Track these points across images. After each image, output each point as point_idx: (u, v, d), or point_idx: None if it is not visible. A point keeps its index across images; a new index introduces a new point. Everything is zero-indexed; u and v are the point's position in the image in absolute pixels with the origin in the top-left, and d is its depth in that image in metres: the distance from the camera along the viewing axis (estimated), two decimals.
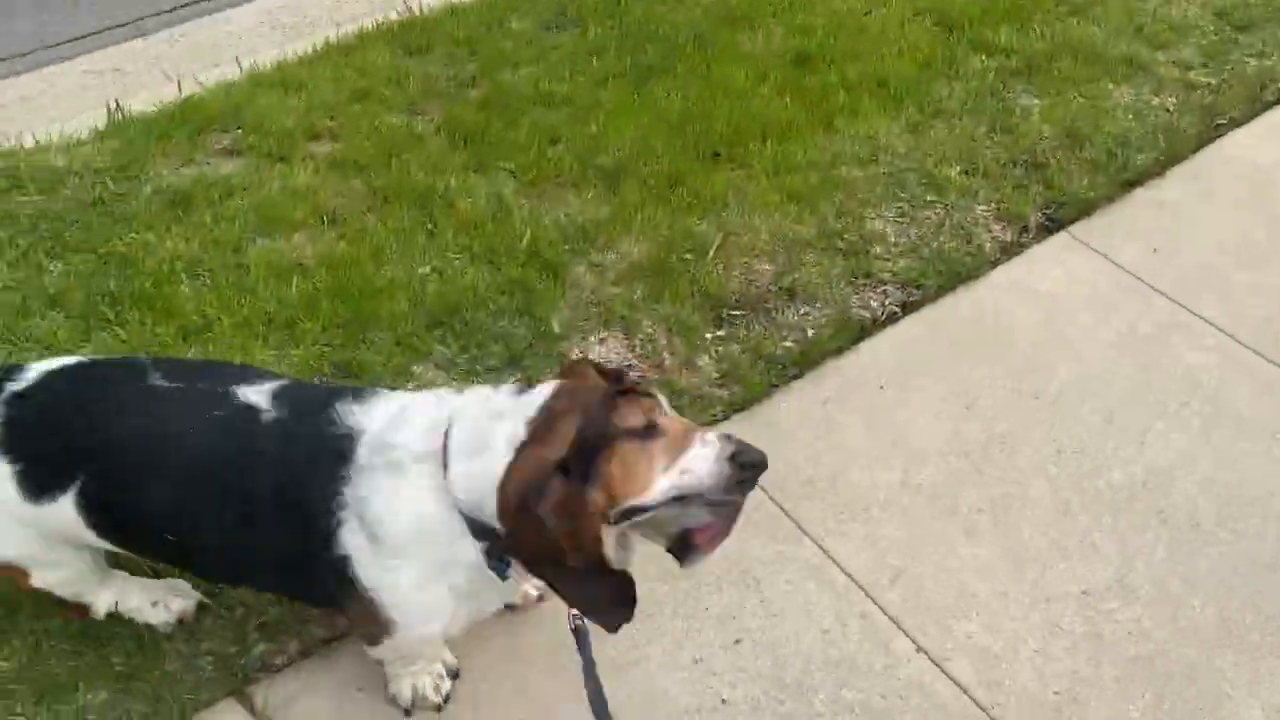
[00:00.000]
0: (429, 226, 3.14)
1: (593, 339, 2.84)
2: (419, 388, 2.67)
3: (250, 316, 2.84)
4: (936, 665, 2.24)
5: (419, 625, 1.84)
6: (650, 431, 1.63)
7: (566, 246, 3.09)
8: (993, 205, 3.29)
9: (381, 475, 1.71)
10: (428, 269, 3.01)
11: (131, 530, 1.85)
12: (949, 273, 3.07)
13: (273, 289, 2.92)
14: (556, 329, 2.84)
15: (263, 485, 1.74)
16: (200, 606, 2.24)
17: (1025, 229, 3.24)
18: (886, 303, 2.99)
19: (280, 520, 1.74)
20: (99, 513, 1.80)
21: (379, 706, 2.15)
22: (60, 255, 3.08)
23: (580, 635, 1.81)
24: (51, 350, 2.77)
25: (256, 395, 1.81)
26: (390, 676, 2.12)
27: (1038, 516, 2.50)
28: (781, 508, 2.50)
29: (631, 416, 1.64)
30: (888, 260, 3.09)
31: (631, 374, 2.72)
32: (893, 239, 3.17)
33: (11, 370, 1.88)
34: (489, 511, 1.63)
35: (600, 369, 1.81)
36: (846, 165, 3.39)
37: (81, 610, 2.15)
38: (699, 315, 2.90)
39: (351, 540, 1.71)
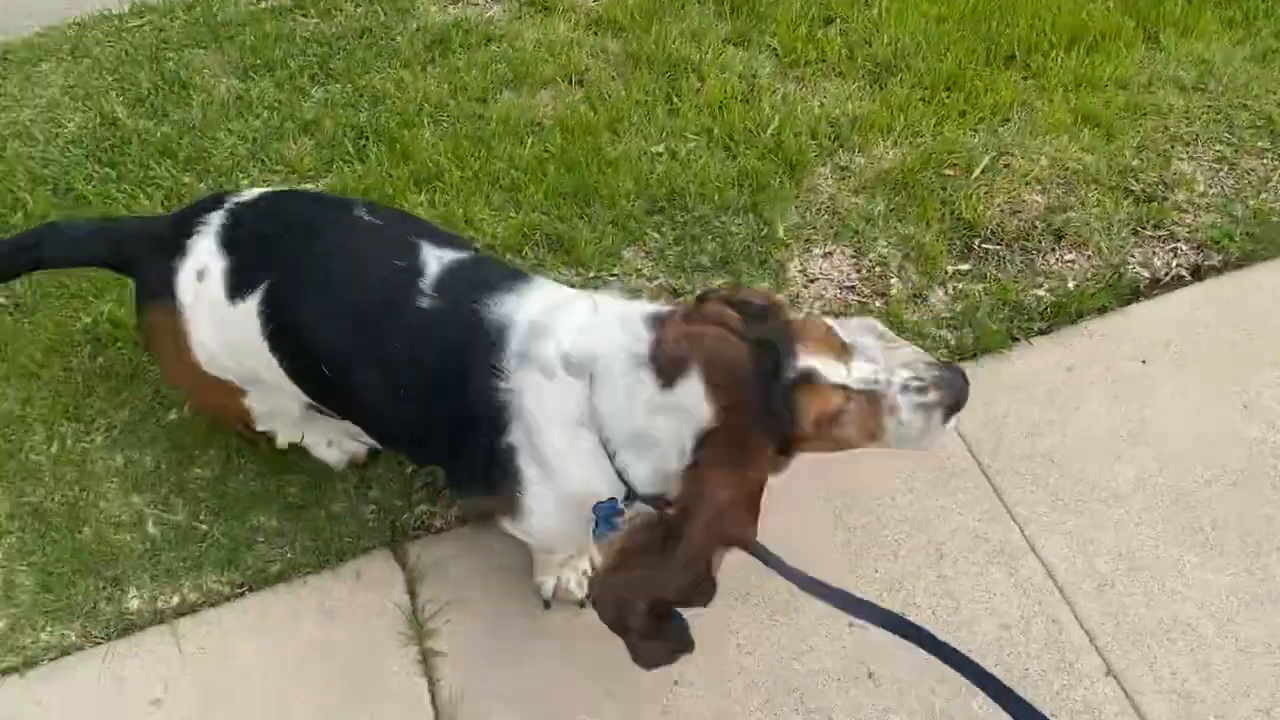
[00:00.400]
0: (673, 100, 2.95)
1: (817, 251, 2.59)
2: (624, 274, 2.55)
3: (480, 172, 2.80)
4: (1127, 696, 1.94)
5: (547, 538, 1.81)
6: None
7: (813, 142, 2.81)
8: None
9: (539, 374, 1.62)
10: (661, 148, 2.83)
11: (295, 352, 1.83)
12: (1263, 239, 2.56)
13: (507, 146, 2.85)
14: (781, 233, 2.61)
15: (421, 347, 1.70)
16: (372, 454, 2.28)
17: None
18: (1174, 263, 2.53)
19: (432, 392, 1.70)
20: (273, 323, 1.80)
21: (522, 589, 2.12)
22: (323, 81, 3.14)
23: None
24: (295, 175, 2.86)
25: (437, 257, 1.76)
26: (537, 565, 2.08)
27: None
28: (989, 479, 2.22)
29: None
30: (1187, 212, 2.62)
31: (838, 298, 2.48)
32: (1201, 188, 2.67)
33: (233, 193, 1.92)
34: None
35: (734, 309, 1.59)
36: (1164, 90, 2.87)
37: (268, 438, 2.24)
38: (944, 242, 2.58)
39: (516, 434, 1.64)
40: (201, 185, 2.83)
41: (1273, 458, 2.22)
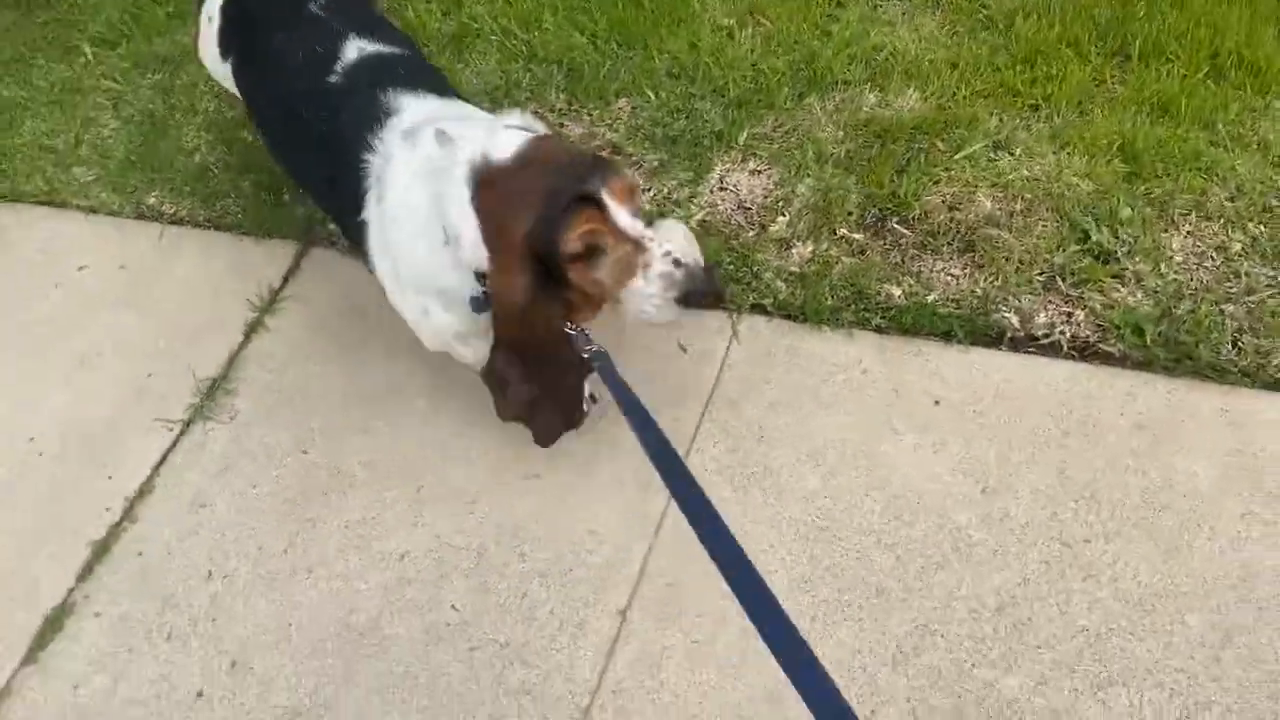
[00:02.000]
0: None
1: (750, 166, 2.57)
2: (596, 123, 2.75)
3: None
4: (614, 641, 2.01)
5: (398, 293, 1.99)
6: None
7: (859, 66, 2.68)
8: None
9: (401, 157, 1.85)
10: (733, 22, 2.87)
11: (251, 104, 2.34)
12: (1177, 352, 2.05)
13: None
14: (741, 140, 2.61)
15: (320, 123, 2.03)
16: None
17: None
18: (1059, 329, 2.16)
19: (325, 160, 2.02)
20: (239, 79, 2.32)
21: (362, 326, 2.56)
22: None
23: (598, 362, 1.79)
24: None
25: (354, 50, 2.07)
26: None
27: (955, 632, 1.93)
28: (701, 419, 2.24)
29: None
30: (1126, 286, 2.16)
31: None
32: (1167, 270, 2.16)
33: None
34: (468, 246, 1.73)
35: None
36: (1244, 150, 2.28)
37: None
38: (860, 207, 2.42)
39: (372, 206, 1.90)
40: None
41: (950, 547, 1.97)
